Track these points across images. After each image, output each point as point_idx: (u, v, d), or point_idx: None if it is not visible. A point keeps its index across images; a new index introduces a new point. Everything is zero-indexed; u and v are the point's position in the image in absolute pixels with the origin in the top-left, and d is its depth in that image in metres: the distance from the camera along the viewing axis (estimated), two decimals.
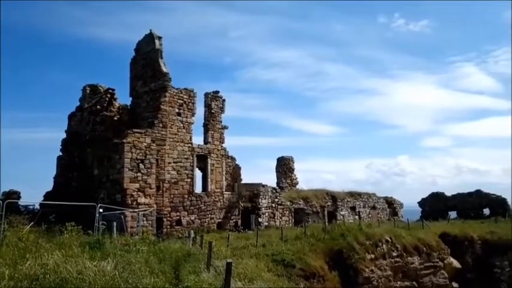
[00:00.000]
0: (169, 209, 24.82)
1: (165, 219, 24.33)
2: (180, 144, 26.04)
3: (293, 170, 40.74)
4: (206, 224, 26.61)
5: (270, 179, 40.47)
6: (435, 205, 45.80)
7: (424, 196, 49.00)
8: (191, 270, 8.71)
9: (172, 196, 25.11)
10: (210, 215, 27.16)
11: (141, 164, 22.94)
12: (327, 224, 27.17)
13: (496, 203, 43.00)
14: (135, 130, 23.50)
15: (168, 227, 24.37)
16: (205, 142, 28.34)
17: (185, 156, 26.21)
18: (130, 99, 27.83)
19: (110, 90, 27.33)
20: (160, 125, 24.94)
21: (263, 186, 30.70)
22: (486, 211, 43.22)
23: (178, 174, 25.65)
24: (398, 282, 22.45)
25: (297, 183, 40.35)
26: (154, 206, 23.45)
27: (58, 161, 27.02)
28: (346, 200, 37.44)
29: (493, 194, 44.01)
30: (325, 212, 34.46)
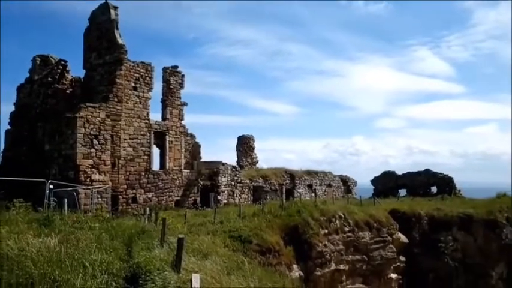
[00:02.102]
0: (125, 186, 24.31)
1: (120, 197, 23.84)
2: (137, 120, 25.34)
3: (253, 148, 40.97)
4: (164, 201, 26.35)
5: (231, 158, 40.49)
6: (386, 183, 47.80)
7: (377, 175, 50.98)
8: (144, 247, 8.61)
9: (128, 173, 24.56)
10: (168, 193, 26.88)
11: (94, 140, 22.19)
12: (284, 201, 27.70)
13: (443, 181, 45.54)
14: (88, 104, 22.56)
15: (124, 204, 23.92)
16: (164, 119, 27.75)
17: (142, 133, 25.57)
18: (84, 71, 26.53)
19: (62, 62, 26.00)
20: (116, 99, 24.08)
21: (223, 164, 30.68)
22: (434, 189, 45.69)
23: (134, 151, 25.05)
24: (350, 256, 23.44)
25: (257, 162, 40.71)
26: (110, 183, 22.88)
27: (6, 135, 25.69)
28: (303, 178, 38.30)
29: (441, 173, 46.51)
30: (283, 190, 35.12)
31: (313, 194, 37.08)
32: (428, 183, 46.13)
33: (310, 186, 38.76)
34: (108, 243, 8.61)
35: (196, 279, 5.59)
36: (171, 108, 28.01)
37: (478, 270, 27.48)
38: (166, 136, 27.40)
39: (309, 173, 40.24)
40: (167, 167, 27.28)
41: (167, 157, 27.40)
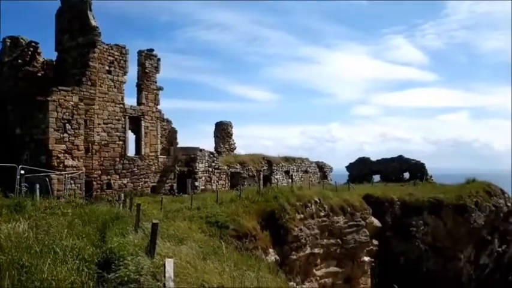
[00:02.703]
0: (100, 172, 23.93)
1: (94, 183, 23.47)
2: (111, 105, 24.82)
3: (231, 135, 40.87)
4: (140, 187, 26.11)
5: (208, 144, 40.33)
6: (361, 169, 48.78)
7: (352, 161, 51.94)
8: (118, 233, 8.54)
9: (102, 159, 24.15)
10: (143, 179, 26.62)
11: (67, 124, 21.67)
12: (261, 187, 27.91)
13: (415, 167, 46.85)
14: (61, 88, 21.93)
15: (98, 190, 23.58)
16: (139, 103, 27.28)
17: (116, 118, 25.10)
18: (56, 54, 25.71)
19: (33, 44, 25.11)
20: (89, 83, 23.48)
21: (200, 150, 30.54)
22: (406, 175, 46.98)
23: (109, 136, 24.60)
24: (324, 240, 23.93)
25: (235, 148, 40.69)
26: (83, 168, 22.48)
27: None
28: (281, 165, 38.62)
29: (413, 160, 47.81)
30: (261, 176, 35.34)
31: (290, 180, 37.50)
32: (401, 169, 47.38)
33: (287, 172, 39.14)
34: (80, 229, 8.51)
35: (169, 263, 5.60)
36: (146, 93, 27.54)
37: (447, 253, 28.60)
38: (142, 121, 26.99)
39: (287, 159, 40.58)
40: (143, 153, 26.95)
41: (143, 142, 27.04)
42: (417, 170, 46.36)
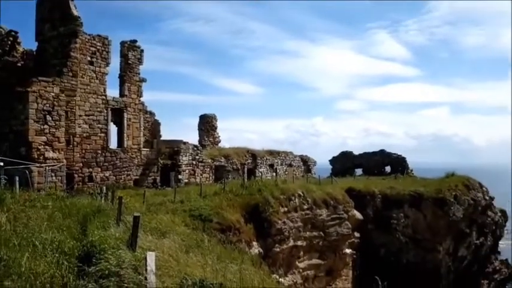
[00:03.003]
0: (81, 164, 23.56)
1: (76, 175, 23.11)
2: (93, 96, 24.40)
3: (216, 128, 40.71)
4: (122, 180, 25.82)
5: (192, 137, 40.15)
6: (344, 163, 49.37)
7: (335, 155, 52.47)
8: (99, 226, 8.45)
9: (84, 151, 23.78)
10: (126, 172, 26.34)
11: (48, 116, 21.21)
12: (246, 180, 27.97)
13: (396, 161, 47.67)
14: (41, 78, 21.41)
15: (80, 183, 23.22)
16: (121, 95, 26.88)
17: (98, 109, 24.69)
18: (36, 44, 25.04)
19: (12, 33, 24.37)
20: (70, 73, 23.00)
21: (184, 143, 30.34)
22: (388, 169, 47.76)
23: (90, 128, 24.22)
24: (307, 233, 24.19)
25: (220, 142, 40.56)
26: (64, 161, 22.09)
27: None
28: (265, 158, 38.72)
29: (395, 154, 48.60)
30: (245, 169, 35.39)
31: (274, 174, 37.65)
32: (383, 163, 48.14)
33: (271, 165, 39.27)
34: (61, 222, 8.39)
35: (151, 256, 5.58)
36: (129, 85, 27.15)
37: (426, 245, 29.26)
38: (125, 113, 26.62)
39: (271, 152, 40.70)
40: (125, 145, 26.63)
41: (125, 135, 26.70)
42: (398, 164, 47.18)
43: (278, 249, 21.49)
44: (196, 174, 30.69)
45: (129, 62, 27.17)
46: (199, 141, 37.17)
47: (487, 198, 35.10)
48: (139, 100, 27.86)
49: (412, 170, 47.00)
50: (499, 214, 37.43)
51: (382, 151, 49.23)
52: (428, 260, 28.77)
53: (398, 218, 29.84)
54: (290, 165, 42.40)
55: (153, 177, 28.12)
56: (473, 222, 32.31)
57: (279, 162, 40.67)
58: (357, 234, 28.01)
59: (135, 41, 27.75)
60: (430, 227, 29.50)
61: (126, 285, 4.85)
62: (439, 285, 28.24)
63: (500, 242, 39.87)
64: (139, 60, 27.90)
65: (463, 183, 33.17)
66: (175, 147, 29.43)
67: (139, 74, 27.85)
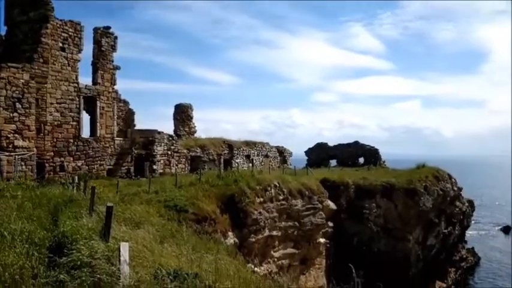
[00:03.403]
0: (52, 153, 22.95)
1: (47, 165, 22.50)
2: (65, 84, 23.70)
3: (191, 118, 40.27)
4: (95, 170, 25.33)
5: (168, 127, 39.62)
6: (319, 154, 50.05)
7: (311, 146, 53.10)
8: (71, 216, 8.29)
9: (55, 140, 23.15)
10: (99, 162, 25.84)
11: (17, 103, 20.51)
12: (222, 171, 27.92)
13: (369, 153, 48.69)
14: (10, 64, 20.61)
15: (51, 172, 22.63)
16: (94, 83, 26.23)
17: (70, 97, 24.03)
18: (6, 28, 24.03)
19: None
20: (41, 60, 22.24)
21: (159, 133, 29.93)
22: (361, 160, 48.77)
23: (62, 117, 23.57)
24: (283, 223, 24.48)
25: (195, 132, 40.17)
26: (35, 150, 21.46)
27: None
28: (241, 149, 38.69)
29: (368, 145, 49.62)
30: (222, 160, 35.29)
31: (250, 164, 37.73)
32: (357, 154, 49.09)
33: (248, 156, 39.31)
34: (31, 212, 8.17)
35: (124, 247, 5.54)
36: (102, 72, 26.50)
37: (397, 234, 30.14)
38: (97, 101, 26.01)
39: (247, 143, 40.70)
40: (98, 135, 26.08)
41: (98, 124, 26.12)
42: (371, 155, 48.21)
43: (253, 239, 21.67)
44: (171, 164, 30.40)
45: (102, 49, 26.48)
46: (175, 131, 36.73)
47: (456, 189, 36.36)
48: (113, 88, 27.27)
49: (384, 162, 48.16)
50: (467, 204, 38.93)
51: (356, 143, 50.15)
52: (398, 249, 29.66)
53: (370, 208, 30.55)
54: (266, 156, 42.58)
55: (126, 167, 27.69)
56: (442, 212, 33.44)
57: (256, 153, 40.75)
58: (330, 224, 28.53)
59: (108, 28, 27.04)
60: (400, 216, 30.35)
61: (98, 275, 4.79)
62: (408, 273, 29.22)
63: (467, 232, 41.60)
64: (113, 47, 27.24)
65: (433, 175, 34.19)
66: (149, 137, 29.01)
67: (112, 61, 27.21)
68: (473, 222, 44.46)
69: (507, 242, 49.59)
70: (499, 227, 56.35)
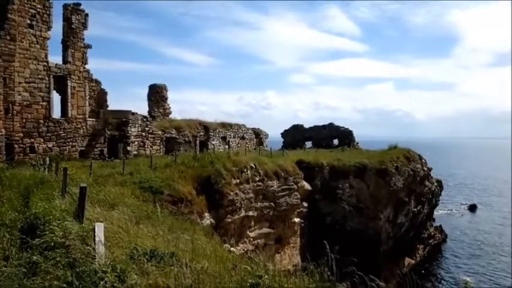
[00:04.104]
0: (22, 134, 22.24)
1: (16, 146, 21.81)
2: (33, 62, 22.82)
3: (166, 98, 39.67)
4: (67, 152, 24.75)
5: (142, 108, 38.88)
6: (295, 136, 50.59)
7: (287, 128, 53.51)
8: (43, 198, 8.14)
9: (24, 120, 22.41)
10: (71, 143, 25.24)
11: None
12: (198, 152, 27.83)
13: (343, 134, 49.57)
14: None
15: (21, 154, 21.97)
16: (65, 62, 25.36)
17: (40, 76, 23.19)
18: None
19: None
20: (8, 37, 21.27)
21: (132, 114, 29.41)
22: (336, 142, 49.62)
23: (31, 97, 22.77)
24: (259, 203, 24.80)
25: (170, 113, 39.67)
26: (3, 130, 20.78)
27: None
28: (218, 131, 38.59)
29: (342, 127, 50.46)
30: (197, 142, 35.13)
31: (227, 146, 37.74)
32: (331, 136, 49.86)
33: (224, 138, 39.28)
34: (0, 194, 7.96)
35: (99, 227, 5.52)
36: (73, 51, 25.62)
37: (369, 213, 31.03)
38: (68, 81, 25.22)
39: (223, 125, 40.60)
40: (69, 115, 25.38)
41: (69, 104, 25.40)
42: (345, 137, 49.08)
43: (230, 220, 21.89)
44: (146, 146, 30.04)
45: (73, 26, 25.54)
46: (149, 112, 36.16)
47: (425, 169, 37.59)
48: (84, 67, 26.46)
49: (358, 143, 49.16)
50: (436, 184, 40.39)
51: (330, 124, 50.86)
52: (370, 227, 30.59)
53: (343, 188, 31.24)
54: (243, 137, 42.66)
55: (100, 148, 27.19)
56: (412, 192, 34.58)
57: (232, 134, 40.75)
58: (305, 204, 29.09)
59: (78, 4, 26.02)
60: (372, 196, 31.20)
61: (73, 256, 4.77)
62: (379, 249, 30.26)
63: (435, 210, 43.30)
64: (84, 25, 26.30)
65: (404, 155, 35.15)
66: (123, 118, 28.47)
67: (83, 39, 26.31)
68: (441, 201, 46.24)
69: (473, 219, 52.02)
70: (466, 206, 58.90)
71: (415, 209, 35.39)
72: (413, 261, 34.51)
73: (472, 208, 57.63)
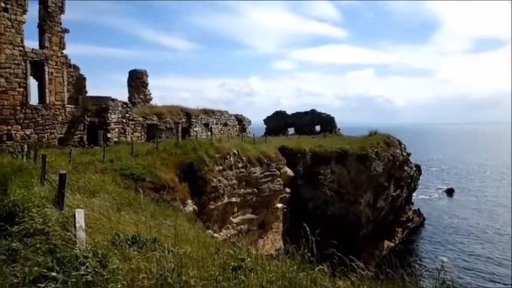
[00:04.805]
0: None
1: None
2: (9, 47, 22.10)
3: (147, 84, 39.09)
4: (45, 139, 24.24)
5: (122, 94, 38.17)
6: (278, 122, 50.81)
7: (269, 114, 53.63)
8: (21, 185, 8.00)
9: (1, 107, 21.82)
10: (49, 130, 24.71)
11: None
12: (180, 139, 27.65)
13: (325, 121, 50.04)
14: None
15: None
16: (41, 46, 24.64)
17: (16, 62, 22.50)
18: None
19: None
20: None
21: (112, 100, 28.91)
22: (318, 128, 50.09)
23: (7, 83, 22.11)
24: (242, 190, 24.93)
25: (151, 99, 39.17)
26: None
27: None
28: (200, 117, 38.36)
29: (324, 114, 50.91)
30: (179, 128, 34.87)
31: (209, 133, 37.61)
32: (314, 122, 50.27)
33: (206, 125, 39.09)
34: None
35: (80, 213, 5.48)
36: (50, 35, 24.88)
37: (349, 198, 31.61)
38: (46, 66, 24.56)
39: (206, 112, 40.36)
40: (47, 102, 24.79)
41: (47, 90, 24.78)
42: (327, 123, 49.56)
43: (213, 206, 21.96)
44: (126, 133, 29.66)
45: (49, 10, 24.74)
46: (129, 99, 35.60)
47: (405, 154, 38.36)
48: (62, 52, 25.77)
49: (339, 129, 49.72)
50: (414, 169, 41.33)
51: (312, 111, 51.20)
52: (350, 212, 31.20)
53: (325, 173, 31.66)
54: (225, 124, 42.54)
55: (79, 135, 26.71)
56: (391, 176, 35.32)
57: (214, 121, 40.58)
58: (288, 190, 29.41)
59: None
60: (353, 181, 31.75)
61: (54, 242, 4.75)
62: (359, 233, 30.96)
63: (414, 194, 44.39)
64: (61, 9, 25.51)
65: (384, 141, 35.76)
66: (102, 104, 27.98)
67: (60, 23, 25.56)
68: (419, 185, 47.37)
69: (450, 203, 53.57)
70: (443, 190, 60.55)
71: (394, 193, 36.20)
72: (392, 244, 35.42)
73: (449, 192, 59.30)
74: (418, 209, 44.25)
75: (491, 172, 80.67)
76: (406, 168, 38.67)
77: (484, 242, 36.20)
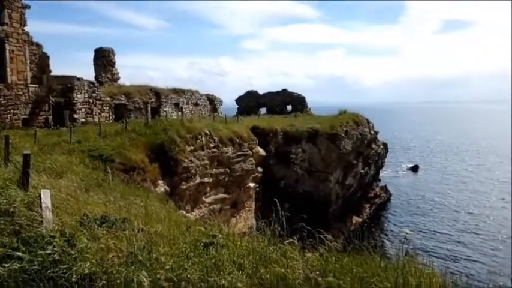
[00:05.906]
0: None
1: None
2: None
3: (114, 63, 37.93)
4: (8, 120, 23.27)
5: (88, 73, 36.86)
6: (249, 102, 50.73)
7: (241, 94, 53.40)
8: None
9: None
10: (12, 111, 23.70)
11: None
12: (150, 119, 27.16)
13: (297, 100, 50.39)
14: None
15: None
16: (1, 23, 23.32)
17: None
18: None
19: None
20: None
21: (78, 79, 27.91)
22: (289, 108, 50.41)
23: None
24: (214, 170, 24.93)
25: (119, 79, 38.11)
26: None
27: None
28: (170, 97, 37.69)
29: (295, 93, 51.21)
30: (149, 108, 34.20)
31: (180, 113, 37.10)
32: (285, 102, 50.53)
33: (177, 104, 38.49)
34: None
35: (46, 194, 5.37)
36: (9, 11, 23.55)
37: (320, 176, 32.30)
38: (6, 44, 23.33)
39: (176, 91, 39.67)
40: (9, 81, 23.67)
41: (8, 69, 23.63)
42: (298, 103, 49.94)
43: (185, 187, 21.90)
44: (94, 113, 28.83)
45: None
46: (96, 78, 34.49)
47: (372, 132, 39.34)
48: (23, 30, 24.52)
49: (310, 109, 50.23)
50: (382, 147, 42.52)
51: (284, 91, 51.35)
52: (321, 189, 31.95)
53: (296, 153, 32.13)
54: (196, 104, 42.04)
55: (44, 116, 25.77)
56: (359, 154, 36.23)
57: (185, 101, 40.01)
58: (260, 169, 29.65)
59: None
60: (323, 159, 32.39)
61: (19, 222, 4.64)
62: (329, 209, 31.83)
63: (381, 171, 45.80)
64: None
65: (353, 120, 36.48)
66: (68, 84, 26.98)
67: None
68: (386, 162, 48.87)
69: (415, 180, 55.67)
70: (409, 167, 62.73)
71: (363, 171, 37.23)
72: (360, 220, 36.64)
73: (415, 169, 61.50)
74: (385, 186, 45.77)
75: (458, 150, 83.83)
76: (374, 146, 39.70)
77: (445, 216, 38.05)
